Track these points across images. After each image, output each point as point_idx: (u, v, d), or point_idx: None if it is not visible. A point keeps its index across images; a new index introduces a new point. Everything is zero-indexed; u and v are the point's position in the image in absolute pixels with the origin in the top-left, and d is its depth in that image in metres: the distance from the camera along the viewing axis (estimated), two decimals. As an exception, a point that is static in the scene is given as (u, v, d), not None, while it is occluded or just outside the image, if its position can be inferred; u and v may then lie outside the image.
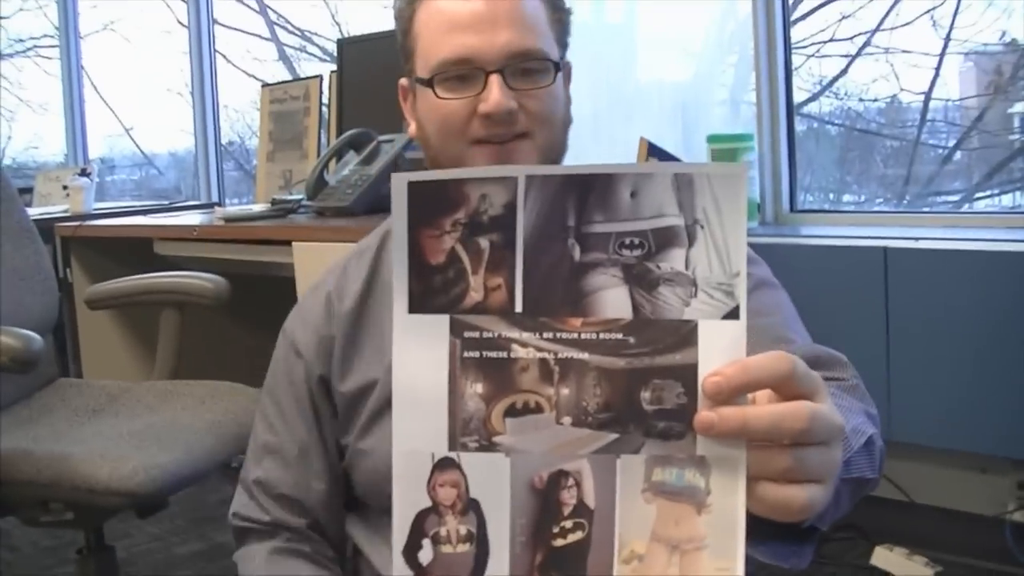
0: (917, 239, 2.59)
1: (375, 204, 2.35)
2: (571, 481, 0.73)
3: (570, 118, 1.23)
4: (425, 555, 0.75)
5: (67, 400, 2.25)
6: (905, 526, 2.57)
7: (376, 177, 2.37)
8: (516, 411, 0.73)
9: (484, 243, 0.73)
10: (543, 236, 0.73)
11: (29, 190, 4.27)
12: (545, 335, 0.73)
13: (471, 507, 0.74)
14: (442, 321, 0.74)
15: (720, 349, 0.71)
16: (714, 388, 0.69)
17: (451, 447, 0.74)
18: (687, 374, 0.71)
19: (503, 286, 0.73)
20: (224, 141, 5.00)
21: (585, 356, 0.72)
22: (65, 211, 3.66)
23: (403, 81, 1.24)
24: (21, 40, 5.62)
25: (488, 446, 0.73)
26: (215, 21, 4.90)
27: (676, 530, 0.71)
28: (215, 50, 4.88)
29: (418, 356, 0.74)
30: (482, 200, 0.73)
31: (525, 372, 0.73)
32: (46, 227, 2.86)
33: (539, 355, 0.73)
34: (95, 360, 2.99)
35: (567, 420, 0.73)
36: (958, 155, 3.40)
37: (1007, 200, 3.28)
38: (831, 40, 3.45)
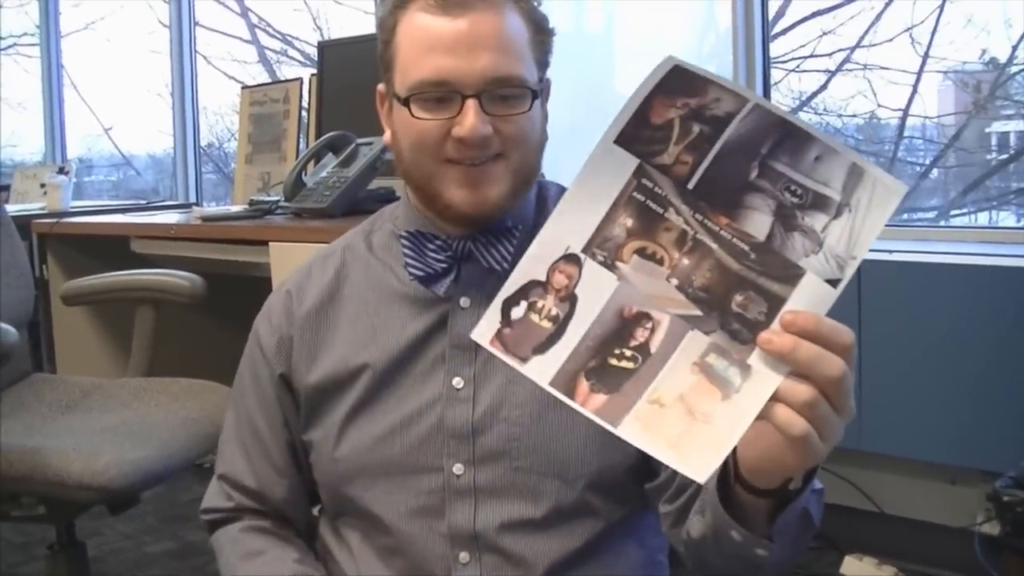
0: (891, 252, 2.61)
1: (353, 206, 2.34)
2: (650, 325, 0.88)
3: (546, 136, 1.22)
4: (517, 312, 0.91)
5: (40, 395, 2.24)
6: (875, 536, 2.58)
7: (354, 179, 2.36)
8: (644, 254, 0.89)
9: (696, 128, 0.88)
10: (738, 148, 0.87)
11: (6, 187, 4.26)
12: (697, 215, 0.88)
13: (570, 299, 0.90)
14: (632, 161, 0.89)
15: (809, 299, 0.85)
16: (788, 320, 0.83)
17: (584, 250, 0.90)
18: (775, 302, 0.86)
19: (689, 164, 0.88)
20: (203, 144, 4.99)
21: (715, 246, 0.88)
22: (42, 208, 3.65)
23: (381, 87, 1.23)
24: (1, 37, 5.59)
25: (610, 265, 0.90)
26: (197, 23, 4.90)
27: (698, 402, 0.86)
28: (196, 51, 4.88)
29: (603, 173, 0.90)
30: (714, 100, 0.87)
31: (667, 232, 0.89)
32: (23, 224, 2.84)
33: (684, 226, 0.89)
34: (70, 357, 2.97)
35: (674, 282, 0.88)
36: (935, 173, 3.43)
37: (983, 218, 3.31)
38: (811, 56, 3.48)
